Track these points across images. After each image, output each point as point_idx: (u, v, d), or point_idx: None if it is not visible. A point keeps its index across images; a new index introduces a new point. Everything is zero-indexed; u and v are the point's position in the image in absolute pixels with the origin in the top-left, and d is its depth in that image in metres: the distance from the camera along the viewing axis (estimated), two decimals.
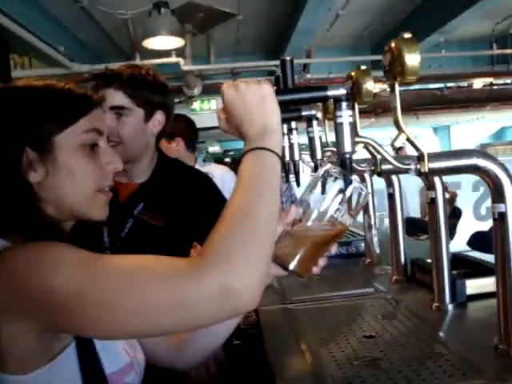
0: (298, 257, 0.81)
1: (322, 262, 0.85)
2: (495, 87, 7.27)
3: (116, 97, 1.39)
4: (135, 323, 0.68)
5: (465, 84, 7.28)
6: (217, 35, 6.01)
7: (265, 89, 0.78)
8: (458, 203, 5.60)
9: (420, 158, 0.89)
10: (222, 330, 0.96)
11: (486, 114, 9.04)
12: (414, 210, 5.94)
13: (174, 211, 1.45)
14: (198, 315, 0.67)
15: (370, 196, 1.81)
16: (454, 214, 5.68)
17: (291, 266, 0.81)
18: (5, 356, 0.73)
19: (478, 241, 4.23)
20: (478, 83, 7.18)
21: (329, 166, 0.85)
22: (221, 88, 0.80)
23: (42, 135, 0.79)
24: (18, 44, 4.39)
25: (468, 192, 6.33)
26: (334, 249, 0.85)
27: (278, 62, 0.92)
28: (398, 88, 0.89)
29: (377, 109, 6.24)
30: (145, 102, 1.43)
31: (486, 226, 5.14)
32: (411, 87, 7.17)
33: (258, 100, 0.77)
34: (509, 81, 7.38)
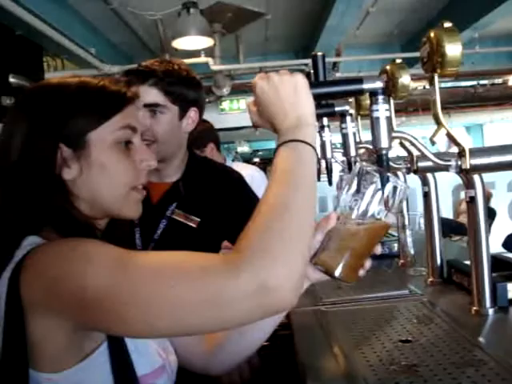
0: (342, 263, 0.79)
1: (368, 264, 0.82)
2: None
3: (151, 94, 1.35)
4: (167, 321, 0.66)
5: (499, 81, 7.10)
6: (245, 35, 5.99)
7: (298, 80, 0.75)
8: (492, 203, 5.46)
9: (461, 154, 0.85)
10: (258, 335, 0.93)
11: None
12: (447, 210, 5.82)
13: (207, 210, 1.42)
14: (232, 313, 0.64)
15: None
16: (489, 215, 5.53)
17: (337, 273, 0.79)
18: (37, 354, 0.72)
19: None
20: None
21: (362, 164, 0.81)
22: (252, 80, 0.78)
23: (76, 132, 0.79)
24: (51, 46, 4.47)
25: (503, 192, 6.17)
26: (379, 249, 0.82)
27: (307, 61, 0.90)
28: (437, 80, 0.84)
29: (408, 107, 6.13)
30: (180, 99, 1.39)
31: None
32: (443, 85, 7.04)
33: (292, 91, 0.75)
34: None
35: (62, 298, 0.69)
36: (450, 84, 6.95)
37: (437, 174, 1.50)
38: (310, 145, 0.73)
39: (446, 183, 5.44)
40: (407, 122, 7.30)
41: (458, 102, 7.33)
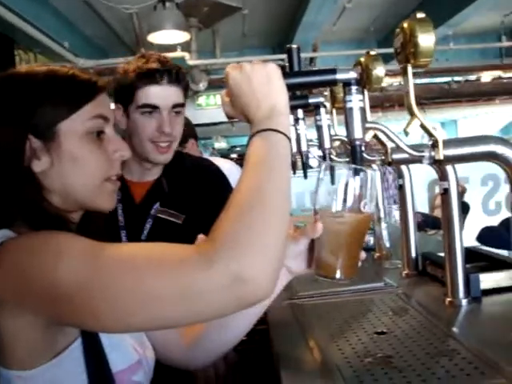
0: (339, 264, 0.80)
1: (363, 254, 0.84)
2: (504, 80, 7.18)
3: (179, 94, 1.36)
4: (139, 315, 0.65)
5: (473, 77, 7.21)
6: (222, 29, 5.97)
7: (271, 69, 0.75)
8: (466, 198, 5.55)
9: (434, 145, 0.85)
10: (234, 331, 0.92)
11: (495, 108, 8.94)
12: (422, 205, 5.89)
13: (190, 205, 1.41)
14: (205, 305, 0.63)
15: (378, 175, 1.76)
16: (462, 209, 5.62)
17: (338, 276, 0.81)
18: (8, 352, 0.71)
19: (488, 236, 4.18)
20: (486, 76, 7.10)
21: (327, 160, 0.83)
22: (225, 70, 0.77)
23: (45, 122, 0.76)
24: (23, 39, 4.38)
25: (477, 187, 6.27)
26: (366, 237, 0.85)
27: (284, 56, 0.89)
28: (410, 71, 0.84)
29: (384, 103, 6.19)
30: (186, 97, 1.42)
31: (495, 220, 5.08)
32: (418, 81, 7.11)
33: (265, 80, 0.74)
34: None
35: (32, 293, 0.67)
36: (425, 80, 7.03)
37: (412, 170, 1.51)
38: (284, 134, 0.72)
39: (421, 178, 5.50)
40: (383, 118, 7.36)
41: (432, 98, 7.41)
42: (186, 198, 1.42)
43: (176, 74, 1.35)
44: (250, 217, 0.64)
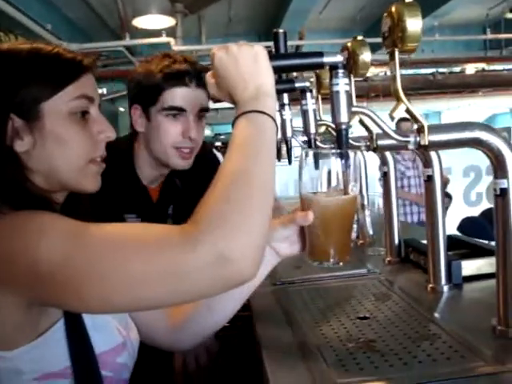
0: (332, 250, 0.81)
1: (354, 235, 0.85)
2: (488, 73, 7.24)
3: (204, 97, 1.32)
4: (123, 295, 0.64)
5: (457, 69, 7.25)
6: (208, 15, 5.92)
7: (258, 50, 0.75)
8: (448, 189, 5.62)
9: (420, 130, 0.85)
10: (223, 313, 0.93)
11: (478, 99, 9.03)
12: None
13: (197, 196, 1.42)
14: (190, 285, 0.63)
15: (361, 160, 1.77)
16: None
17: (332, 260, 0.82)
18: None
19: (468, 226, 4.25)
20: (470, 69, 7.16)
21: (305, 149, 0.85)
22: (211, 51, 0.76)
23: (28, 101, 0.75)
24: (4, 21, 4.28)
25: (458, 177, 6.36)
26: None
27: (270, 44, 0.89)
28: (397, 55, 0.84)
29: (369, 93, 6.20)
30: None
31: (476, 211, 5.16)
32: (403, 72, 7.13)
33: (251, 61, 0.74)
34: (501, 67, 7.35)
35: (15, 272, 0.66)
36: (410, 71, 7.07)
37: None
38: (270, 115, 0.72)
39: None
40: (368, 107, 7.39)
41: (418, 88, 7.44)
42: (194, 189, 1.42)
43: (200, 77, 1.31)
44: (237, 197, 0.64)
